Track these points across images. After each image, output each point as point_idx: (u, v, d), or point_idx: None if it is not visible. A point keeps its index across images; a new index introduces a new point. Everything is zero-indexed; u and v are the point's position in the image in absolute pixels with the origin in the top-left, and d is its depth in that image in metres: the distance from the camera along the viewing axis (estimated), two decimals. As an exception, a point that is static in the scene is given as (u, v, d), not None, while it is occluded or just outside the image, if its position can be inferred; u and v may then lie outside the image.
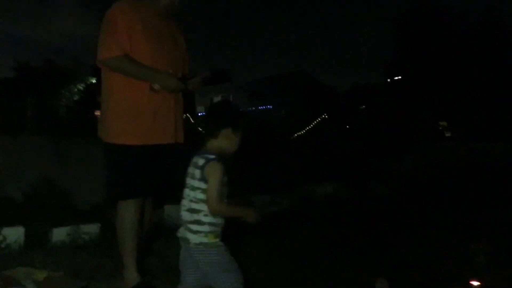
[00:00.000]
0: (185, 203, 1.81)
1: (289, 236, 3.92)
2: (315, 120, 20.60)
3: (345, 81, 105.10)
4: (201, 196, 1.74)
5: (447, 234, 4.08)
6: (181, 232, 1.80)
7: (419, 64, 26.01)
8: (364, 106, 30.16)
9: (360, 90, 31.72)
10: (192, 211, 1.77)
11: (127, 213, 2.34)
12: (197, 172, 1.75)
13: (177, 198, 1.92)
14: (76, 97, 28.36)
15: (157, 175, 2.39)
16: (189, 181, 1.80)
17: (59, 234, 3.32)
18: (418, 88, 26.07)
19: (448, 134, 36.98)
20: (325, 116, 22.23)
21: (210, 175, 1.72)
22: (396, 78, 29.48)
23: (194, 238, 1.74)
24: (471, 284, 2.81)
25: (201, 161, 1.76)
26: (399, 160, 10.20)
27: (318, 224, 4.51)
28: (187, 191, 1.81)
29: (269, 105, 30.19)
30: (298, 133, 15.60)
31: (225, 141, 1.82)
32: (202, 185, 1.74)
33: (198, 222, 1.75)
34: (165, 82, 2.30)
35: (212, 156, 1.75)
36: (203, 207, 1.74)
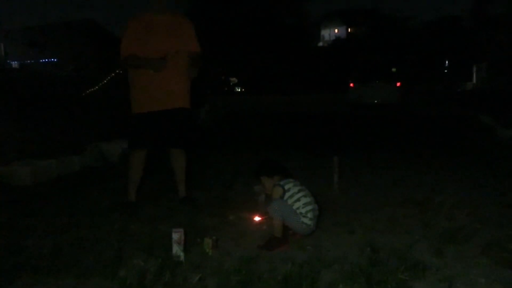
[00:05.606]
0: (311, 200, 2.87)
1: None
2: (109, 76, 19.33)
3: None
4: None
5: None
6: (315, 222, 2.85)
7: (211, 21, 27.04)
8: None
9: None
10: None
11: (132, 158, 3.49)
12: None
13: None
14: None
15: (159, 133, 3.43)
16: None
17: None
18: (209, 45, 27.23)
19: (238, 89, 40.36)
20: (119, 71, 21.05)
21: None
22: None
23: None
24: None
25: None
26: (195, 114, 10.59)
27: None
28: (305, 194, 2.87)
29: (54, 58, 26.79)
30: (90, 90, 14.41)
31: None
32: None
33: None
34: (152, 66, 3.31)
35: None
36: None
